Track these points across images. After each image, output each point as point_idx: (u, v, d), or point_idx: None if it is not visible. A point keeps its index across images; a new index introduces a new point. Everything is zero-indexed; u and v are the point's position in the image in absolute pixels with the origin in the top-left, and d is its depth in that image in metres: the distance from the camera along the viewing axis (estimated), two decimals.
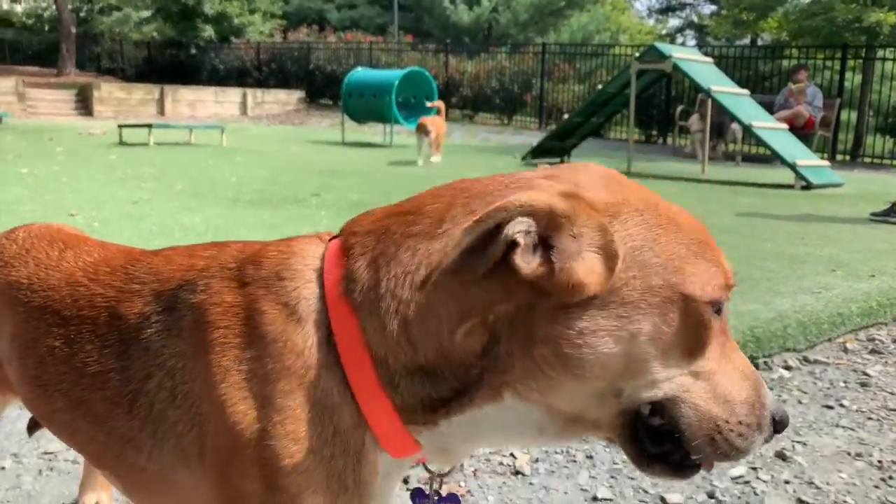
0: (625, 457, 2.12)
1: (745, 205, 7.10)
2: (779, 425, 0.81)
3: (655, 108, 16.23)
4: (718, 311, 0.80)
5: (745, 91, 10.22)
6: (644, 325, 0.74)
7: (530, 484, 1.96)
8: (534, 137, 14.00)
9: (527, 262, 0.71)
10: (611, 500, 1.89)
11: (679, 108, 14.16)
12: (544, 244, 0.72)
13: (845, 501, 1.92)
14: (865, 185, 9.53)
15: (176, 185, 6.82)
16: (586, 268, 0.71)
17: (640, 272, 0.74)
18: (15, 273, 1.10)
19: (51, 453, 2.00)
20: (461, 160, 10.78)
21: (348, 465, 0.81)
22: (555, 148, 11.43)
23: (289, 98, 20.72)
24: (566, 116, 12.31)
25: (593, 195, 0.75)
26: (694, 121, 12.61)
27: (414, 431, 0.81)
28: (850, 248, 4.97)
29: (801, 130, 11.18)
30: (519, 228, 0.70)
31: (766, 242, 5.08)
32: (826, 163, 9.87)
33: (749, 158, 12.80)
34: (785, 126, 9.96)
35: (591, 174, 0.80)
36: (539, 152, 11.25)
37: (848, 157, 13.67)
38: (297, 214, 5.47)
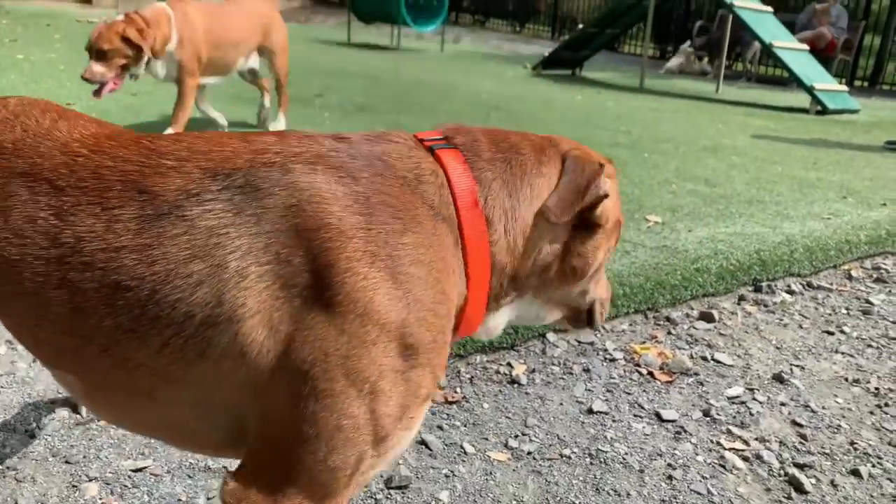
0: (622, 372, 2.10)
1: (758, 127, 6.93)
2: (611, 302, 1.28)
3: (673, 22, 15.65)
4: None
5: (769, 8, 9.80)
6: (612, 242, 1.12)
7: (526, 393, 1.95)
8: (546, 47, 13.55)
9: (604, 209, 1.05)
10: (606, 413, 1.89)
11: (697, 24, 13.65)
12: None
13: (840, 425, 1.92)
14: (882, 112, 9.29)
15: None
16: (611, 205, 1.07)
17: (613, 208, 1.08)
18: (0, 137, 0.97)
19: None
20: (472, 66, 10.46)
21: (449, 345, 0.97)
22: (566, 59, 11.06)
23: None
24: (580, 26, 11.86)
25: (604, 159, 1.09)
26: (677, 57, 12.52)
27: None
28: (863, 175, 4.87)
29: (822, 53, 10.81)
30: (606, 186, 1.03)
31: (776, 166, 4.97)
32: (844, 88, 9.56)
33: (765, 80, 12.46)
34: (806, 47, 9.61)
35: (584, 146, 1.11)
36: (550, 63, 10.90)
37: (867, 84, 13.29)
38: (300, 115, 5.33)
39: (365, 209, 0.85)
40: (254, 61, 4.60)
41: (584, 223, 1.04)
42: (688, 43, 12.87)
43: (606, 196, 1.02)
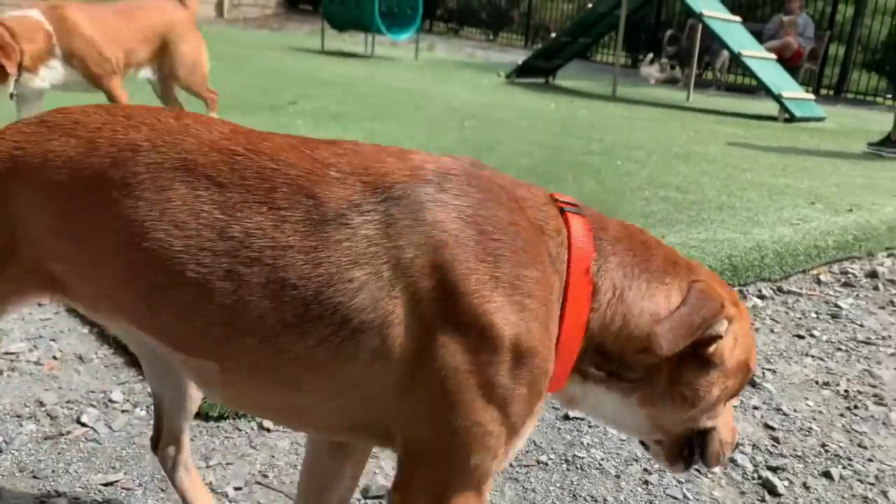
0: None
1: (729, 134, 7.04)
2: (736, 447, 1.29)
3: (644, 31, 15.86)
4: None
5: (737, 18, 9.98)
6: (730, 383, 1.08)
7: None
8: (519, 56, 13.64)
9: (719, 348, 1.04)
10: (582, 419, 1.90)
11: (668, 33, 13.85)
12: None
13: (811, 428, 1.95)
14: (847, 120, 9.50)
15: (145, 87, 6.55)
16: (728, 347, 1.05)
17: (737, 349, 1.07)
18: (125, 136, 0.97)
19: (12, 353, 1.95)
20: (446, 74, 10.50)
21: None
22: (540, 68, 11.15)
23: (268, 1, 19.85)
24: (553, 35, 11.97)
25: (737, 304, 1.10)
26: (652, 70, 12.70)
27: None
28: (830, 181, 4.97)
29: (788, 62, 11.03)
30: (722, 329, 1.03)
31: (747, 173, 5.05)
32: (811, 96, 9.77)
33: (735, 88, 12.67)
34: (773, 56, 9.80)
35: (718, 280, 1.12)
36: (523, 71, 10.98)
37: (832, 92, 13.58)
38: (273, 122, 5.29)
39: (500, 236, 0.93)
40: (146, 72, 4.16)
41: (698, 356, 1.03)
42: (666, 61, 13.04)
43: (720, 337, 1.02)
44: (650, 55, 13.17)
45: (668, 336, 0.97)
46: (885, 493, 1.69)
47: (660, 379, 1.03)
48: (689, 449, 1.15)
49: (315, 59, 10.94)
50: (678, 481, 1.67)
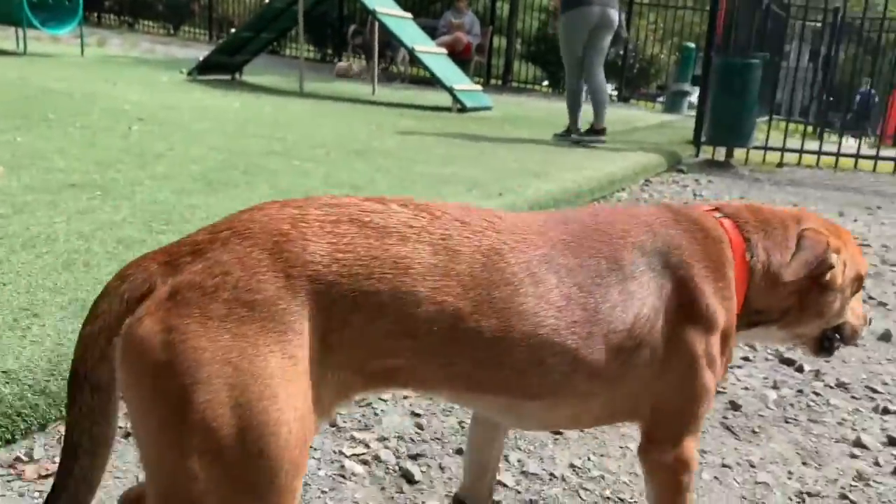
0: None
1: (407, 126, 7.45)
2: (870, 322, 1.61)
3: (329, 26, 16.13)
4: None
5: (409, 14, 10.59)
6: (847, 293, 1.51)
7: None
8: (204, 51, 12.99)
9: (833, 275, 1.44)
10: None
11: (352, 28, 14.26)
12: None
13: (452, 408, 2.12)
14: (511, 108, 10.66)
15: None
16: (840, 271, 1.45)
17: (848, 269, 1.48)
18: (481, 240, 1.13)
19: None
20: (119, 73, 9.60)
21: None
22: (224, 63, 10.75)
23: None
24: (234, 30, 11.60)
25: (840, 235, 1.51)
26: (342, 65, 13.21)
27: None
28: (488, 167, 5.50)
29: (460, 56, 12.03)
30: (833, 259, 1.42)
31: (419, 164, 5.37)
32: (479, 87, 10.77)
33: (417, 81, 13.47)
34: (445, 51, 10.60)
35: (824, 222, 1.51)
36: (207, 67, 10.50)
37: (500, 82, 15.13)
38: None
39: (708, 262, 1.32)
40: None
41: (819, 284, 1.44)
42: (356, 59, 13.41)
43: (832, 267, 1.42)
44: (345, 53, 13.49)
45: (790, 271, 1.39)
46: (506, 458, 1.91)
47: (793, 311, 1.46)
48: (828, 340, 1.58)
49: None
50: (322, 492, 1.69)
